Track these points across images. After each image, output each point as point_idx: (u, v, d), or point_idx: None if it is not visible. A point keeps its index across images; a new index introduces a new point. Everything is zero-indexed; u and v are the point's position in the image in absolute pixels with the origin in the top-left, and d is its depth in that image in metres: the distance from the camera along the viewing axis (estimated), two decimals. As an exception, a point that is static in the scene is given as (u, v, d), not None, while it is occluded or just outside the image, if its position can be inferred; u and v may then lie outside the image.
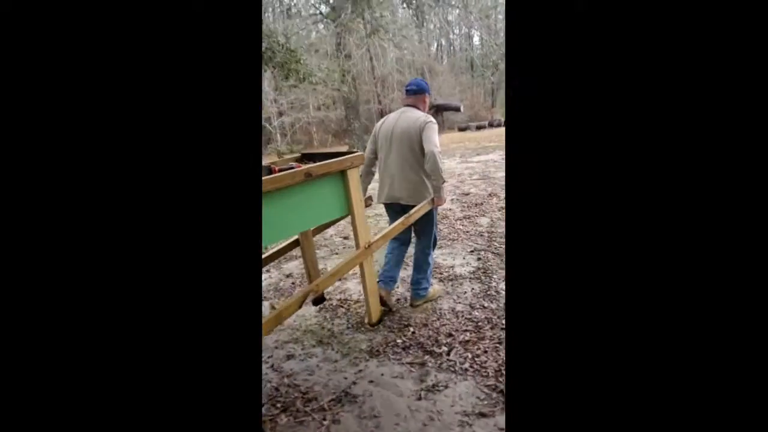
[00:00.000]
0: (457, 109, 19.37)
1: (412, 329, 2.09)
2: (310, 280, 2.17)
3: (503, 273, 2.67)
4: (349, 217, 1.89)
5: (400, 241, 2.33)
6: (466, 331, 2.03)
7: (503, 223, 3.78)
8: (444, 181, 2.14)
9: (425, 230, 2.26)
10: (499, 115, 19.78)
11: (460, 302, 2.34)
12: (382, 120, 2.27)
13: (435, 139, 2.04)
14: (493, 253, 3.06)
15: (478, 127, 17.98)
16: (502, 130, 16.57)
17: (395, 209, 2.26)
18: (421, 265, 2.28)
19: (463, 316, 2.18)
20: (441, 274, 2.75)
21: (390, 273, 2.30)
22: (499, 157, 8.30)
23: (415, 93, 2.20)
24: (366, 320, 2.16)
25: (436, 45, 25.77)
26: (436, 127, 2.10)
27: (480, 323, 2.09)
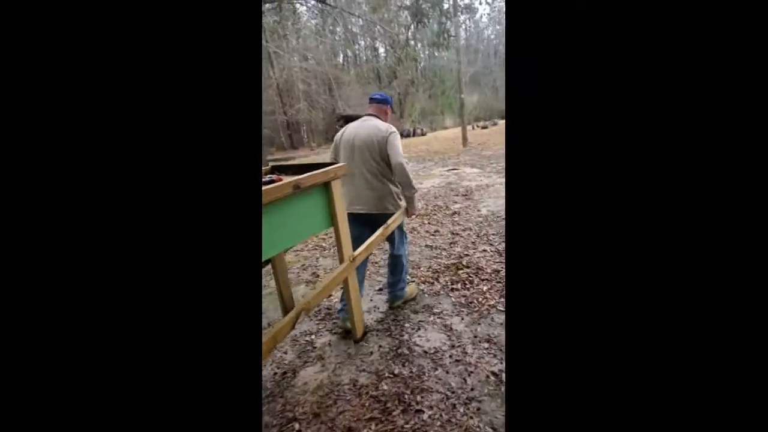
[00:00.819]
0: (367, 120, 19.32)
1: (297, 426, 1.52)
2: (283, 299, 2.01)
3: (417, 319, 2.21)
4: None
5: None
6: (370, 419, 1.51)
7: (417, 249, 3.36)
8: (416, 191, 2.13)
9: (393, 234, 2.24)
10: (408, 124, 20.06)
11: (364, 369, 1.82)
12: (342, 129, 2.20)
13: (400, 150, 2.05)
14: (404, 289, 2.60)
15: (388, 137, 18.00)
16: (411, 140, 16.79)
17: (359, 219, 2.13)
18: (396, 266, 2.28)
19: (367, 393, 1.66)
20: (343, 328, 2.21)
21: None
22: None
23: (378, 102, 2.20)
24: (352, 337, 2.08)
25: (342, 56, 25.62)
26: (399, 137, 2.10)
27: (389, 403, 1.58)
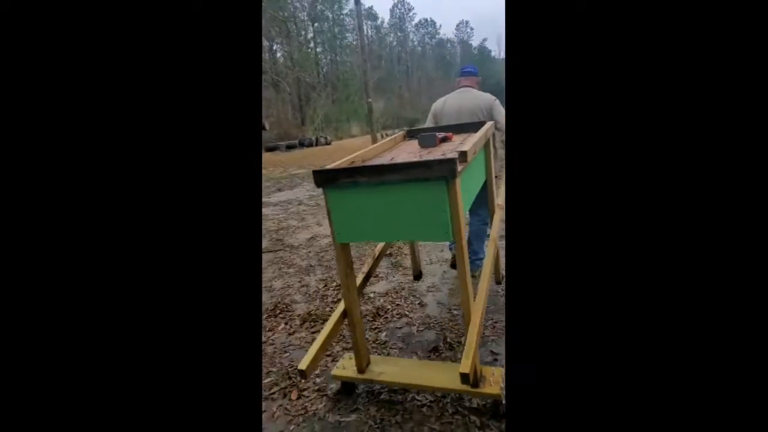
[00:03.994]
0: (262, 128, 17.10)
1: None
2: (415, 258, 2.31)
3: None
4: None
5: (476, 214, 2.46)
6: None
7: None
8: None
9: (483, 204, 2.19)
10: (310, 132, 18.16)
11: None
12: (442, 99, 2.41)
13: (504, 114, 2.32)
14: None
15: (289, 147, 16.00)
16: (314, 150, 15.04)
17: None
18: (480, 235, 2.37)
19: None
20: None
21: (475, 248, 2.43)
22: (307, 193, 6.22)
23: (472, 74, 2.45)
24: (496, 279, 2.31)
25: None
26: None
27: None
